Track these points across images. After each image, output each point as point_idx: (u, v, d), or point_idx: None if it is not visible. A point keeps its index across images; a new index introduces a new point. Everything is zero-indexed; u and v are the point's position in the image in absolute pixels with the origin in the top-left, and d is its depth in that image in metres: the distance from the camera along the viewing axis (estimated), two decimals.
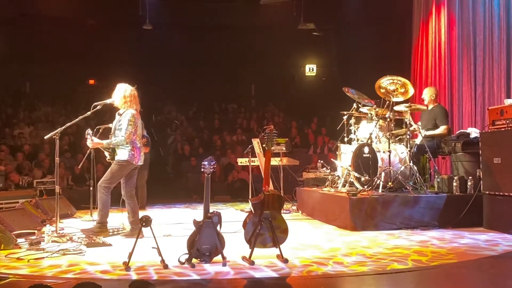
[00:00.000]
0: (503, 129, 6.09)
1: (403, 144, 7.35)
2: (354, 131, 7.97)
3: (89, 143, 6.15)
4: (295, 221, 7.53)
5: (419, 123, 7.85)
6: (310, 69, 18.35)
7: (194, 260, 4.45)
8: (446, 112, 7.90)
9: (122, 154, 5.99)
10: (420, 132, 7.46)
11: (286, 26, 16.19)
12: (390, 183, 6.93)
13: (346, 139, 8.13)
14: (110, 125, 6.29)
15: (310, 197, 8.23)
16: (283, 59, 17.62)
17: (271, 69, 17.60)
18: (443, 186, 7.00)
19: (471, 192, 6.65)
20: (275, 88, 18.24)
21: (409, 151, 7.12)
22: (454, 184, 6.78)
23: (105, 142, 6.04)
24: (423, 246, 5.28)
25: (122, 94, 6.11)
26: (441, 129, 7.59)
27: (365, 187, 6.99)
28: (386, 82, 7.70)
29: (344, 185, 7.60)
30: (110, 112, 6.72)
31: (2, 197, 8.73)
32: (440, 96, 9.75)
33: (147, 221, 4.44)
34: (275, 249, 4.62)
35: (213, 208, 5.22)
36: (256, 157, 9.33)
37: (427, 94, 7.92)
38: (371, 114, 7.68)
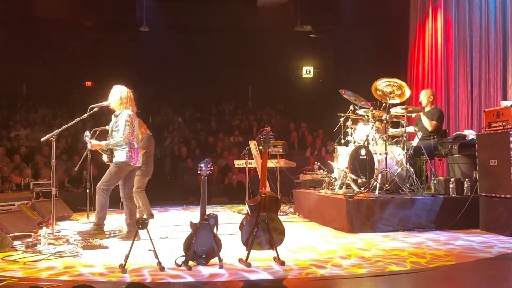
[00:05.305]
0: (499, 131, 6.09)
1: (400, 146, 7.36)
2: (351, 133, 7.98)
3: (88, 145, 6.15)
4: (292, 223, 7.53)
5: (413, 125, 7.86)
6: (307, 71, 18.37)
7: (190, 263, 4.45)
8: (441, 113, 7.95)
9: (120, 155, 5.98)
10: (416, 131, 7.48)
11: (283, 28, 16.20)
12: (386, 185, 6.94)
13: (343, 141, 8.13)
14: (106, 127, 6.28)
15: (307, 199, 8.23)
16: (280, 61, 17.63)
17: (268, 71, 17.61)
18: (440, 188, 7.01)
19: (468, 194, 6.66)
20: (272, 90, 18.25)
21: (406, 153, 7.13)
22: (451, 186, 6.79)
23: (103, 143, 6.03)
24: (418, 248, 5.28)
25: (119, 96, 6.11)
26: (432, 122, 7.60)
27: (362, 189, 6.99)
28: (382, 84, 7.71)
29: (341, 187, 7.60)
30: (106, 114, 6.70)
31: None
32: (436, 98, 9.76)
33: (143, 223, 4.42)
34: (272, 251, 4.62)
35: (210, 210, 5.22)
36: (253, 159, 9.34)
37: (425, 96, 7.95)
38: (368, 116, 7.69)
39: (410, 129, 7.71)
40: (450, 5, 9.77)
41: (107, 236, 6.15)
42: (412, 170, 7.07)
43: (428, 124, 7.62)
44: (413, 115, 8.07)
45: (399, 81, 7.74)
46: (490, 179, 6.15)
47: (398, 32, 12.43)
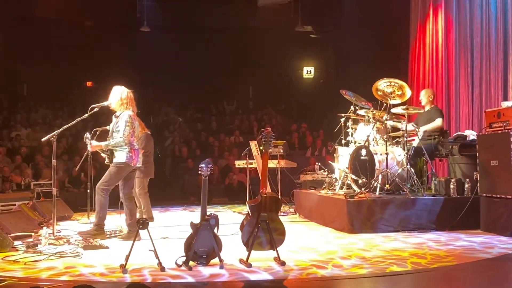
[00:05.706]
0: (500, 131, 6.09)
1: (400, 147, 7.36)
2: (352, 134, 7.98)
3: (88, 147, 6.15)
4: (292, 224, 7.53)
5: (412, 123, 7.85)
6: (308, 72, 18.39)
7: (191, 263, 4.45)
8: (441, 111, 8.00)
9: (120, 156, 5.98)
10: (417, 131, 7.46)
11: (284, 28, 16.20)
12: (387, 186, 6.94)
13: (343, 141, 8.13)
14: (107, 127, 6.28)
15: (308, 200, 8.23)
16: (281, 61, 17.63)
17: (268, 71, 17.61)
18: (440, 188, 7.01)
19: (468, 195, 6.66)
20: (272, 90, 18.26)
21: (406, 153, 7.13)
22: (451, 186, 6.79)
23: (103, 144, 6.03)
24: (419, 248, 5.28)
25: (119, 96, 6.11)
26: (436, 122, 7.61)
27: (363, 189, 6.99)
28: (383, 85, 7.71)
29: (341, 188, 7.60)
30: (107, 114, 6.71)
31: None
32: (437, 98, 9.77)
33: (144, 224, 4.43)
34: (272, 252, 4.62)
35: (210, 210, 5.21)
36: (253, 159, 9.34)
37: (425, 95, 7.97)
38: (368, 116, 7.69)
39: (410, 127, 7.70)
40: (451, 5, 9.77)
41: (108, 236, 6.15)
42: (412, 170, 7.07)
43: (434, 124, 7.59)
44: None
45: (400, 82, 7.74)
46: (490, 179, 6.15)
47: (398, 32, 12.42)
